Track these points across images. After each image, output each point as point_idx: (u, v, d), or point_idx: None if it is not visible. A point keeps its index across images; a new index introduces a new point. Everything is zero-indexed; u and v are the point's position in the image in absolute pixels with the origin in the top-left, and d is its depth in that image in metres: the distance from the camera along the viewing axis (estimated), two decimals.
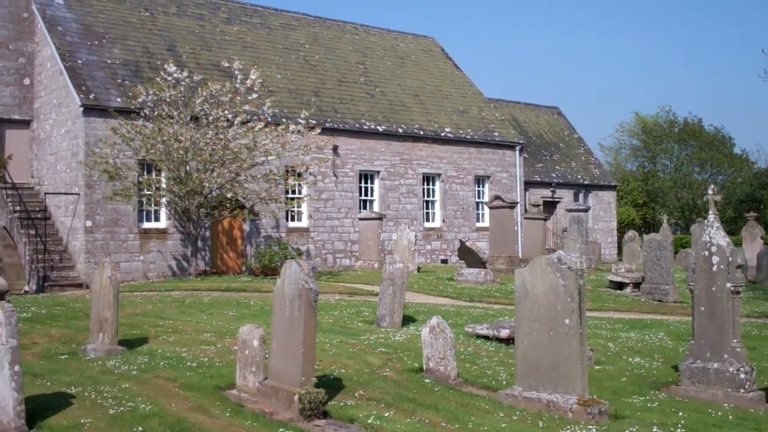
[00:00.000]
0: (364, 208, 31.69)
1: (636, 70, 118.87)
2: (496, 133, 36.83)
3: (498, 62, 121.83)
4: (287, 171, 27.91)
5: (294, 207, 29.59)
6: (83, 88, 25.60)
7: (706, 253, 10.99)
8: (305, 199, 29.25)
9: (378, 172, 32.28)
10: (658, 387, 11.26)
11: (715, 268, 10.89)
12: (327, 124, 29.91)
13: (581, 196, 45.30)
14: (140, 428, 8.65)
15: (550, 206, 42.93)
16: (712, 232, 11.01)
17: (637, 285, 23.32)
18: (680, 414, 9.59)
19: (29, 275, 24.95)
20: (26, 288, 24.60)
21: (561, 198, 43.91)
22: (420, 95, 36.32)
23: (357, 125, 31.70)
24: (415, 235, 28.24)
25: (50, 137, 27.37)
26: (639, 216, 54.89)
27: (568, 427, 8.78)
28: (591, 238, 38.54)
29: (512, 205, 28.48)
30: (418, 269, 27.40)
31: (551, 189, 43.54)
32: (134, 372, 11.16)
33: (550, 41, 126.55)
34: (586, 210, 33.18)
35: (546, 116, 50.68)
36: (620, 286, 23.75)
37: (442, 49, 41.96)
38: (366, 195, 32.14)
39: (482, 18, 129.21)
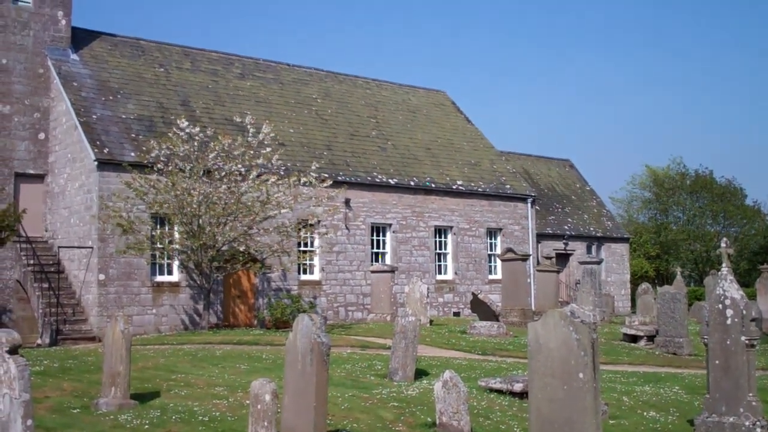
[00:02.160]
0: (376, 260, 31.70)
1: (646, 123, 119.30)
2: (508, 186, 36.94)
3: (509, 116, 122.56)
4: (299, 223, 28.01)
5: (306, 260, 29.61)
6: (98, 142, 25.86)
7: (720, 306, 10.95)
8: (317, 251, 29.29)
9: (390, 225, 32.35)
10: None
11: (729, 322, 10.83)
12: (339, 177, 30.06)
13: (594, 248, 45.21)
14: None
15: (562, 259, 42.85)
16: (726, 285, 10.97)
17: (651, 338, 23.16)
18: None
19: (42, 328, 24.98)
20: (39, 341, 24.61)
21: (573, 250, 43.81)
22: (432, 148, 36.52)
23: (369, 178, 31.85)
24: (428, 288, 28.17)
25: (64, 191, 27.59)
26: (652, 268, 54.67)
27: None
28: (604, 290, 38.36)
29: (525, 258, 28.45)
30: (431, 322, 27.29)
31: (564, 241, 43.47)
32: (146, 426, 11.12)
33: (562, 95, 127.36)
34: (599, 262, 33.11)
35: (558, 169, 50.81)
36: (634, 339, 23.60)
37: (453, 102, 42.28)
38: (378, 247, 32.16)
39: (494, 72, 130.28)
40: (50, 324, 24.44)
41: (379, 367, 16.71)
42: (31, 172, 28.45)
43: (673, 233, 59.71)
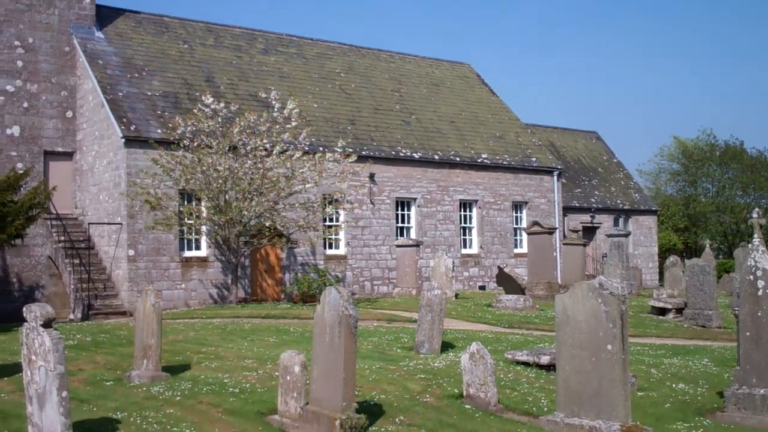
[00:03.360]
0: (401, 235, 31.77)
1: (675, 94, 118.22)
2: (534, 159, 36.81)
3: (535, 87, 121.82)
4: (324, 199, 28.09)
5: (331, 235, 29.74)
6: (124, 120, 26.04)
7: (751, 277, 10.91)
8: (342, 226, 29.41)
9: (414, 199, 32.37)
10: (703, 413, 11.13)
11: (760, 293, 10.80)
12: (363, 152, 30.08)
13: (621, 221, 45.02)
14: None
15: (589, 232, 42.71)
16: (757, 256, 10.92)
17: (679, 310, 23.11)
18: None
19: (74, 304, 25.31)
20: (71, 316, 24.94)
21: (600, 223, 43.65)
22: (456, 121, 36.43)
23: (393, 153, 31.85)
24: (453, 262, 28.22)
25: (93, 168, 27.83)
26: (680, 241, 54.34)
27: None
28: (632, 263, 38.24)
29: (551, 231, 28.40)
30: (456, 296, 27.37)
31: (590, 214, 43.31)
32: (178, 398, 11.28)
33: (588, 66, 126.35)
34: (626, 235, 32.98)
35: (584, 141, 50.53)
36: (662, 311, 23.55)
37: (478, 75, 42.10)
38: (403, 222, 32.22)
39: (519, 43, 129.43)
40: (82, 299, 24.76)
41: (406, 340, 16.81)
42: (60, 150, 28.69)
43: (702, 205, 59.22)
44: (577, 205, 43.07)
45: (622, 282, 9.93)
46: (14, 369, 13.43)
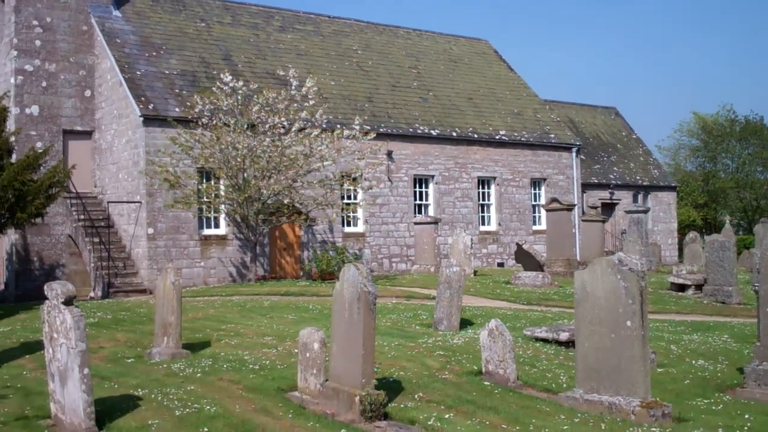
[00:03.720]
0: (419, 212, 31.75)
1: (694, 69, 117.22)
2: (552, 135, 36.63)
3: (553, 64, 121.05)
4: (342, 176, 28.10)
5: (350, 212, 29.75)
6: (142, 98, 26.08)
7: None
8: (360, 204, 29.42)
9: (432, 177, 32.31)
10: (723, 389, 11.10)
11: None
12: (381, 129, 30.00)
13: (640, 197, 44.81)
14: (206, 429, 8.82)
15: (608, 208, 42.55)
16: None
17: (699, 287, 23.03)
18: (746, 417, 9.45)
19: (94, 282, 25.48)
20: (92, 294, 25.12)
21: (619, 200, 43.47)
22: (474, 98, 36.28)
23: (411, 130, 31.77)
24: (471, 239, 28.19)
25: (111, 147, 27.93)
26: (700, 217, 54.04)
27: (631, 429, 8.74)
28: (651, 239, 38.08)
29: (569, 208, 28.30)
30: (475, 273, 27.37)
31: (609, 191, 43.12)
32: (198, 374, 11.37)
33: (607, 41, 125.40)
34: (645, 211, 32.84)
35: (603, 117, 50.23)
36: (682, 288, 23.48)
37: (496, 51, 41.87)
38: (421, 199, 32.18)
39: (536, 19, 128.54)
40: (102, 277, 24.92)
41: (425, 317, 16.85)
42: (79, 128, 28.80)
43: (722, 181, 58.84)
44: (595, 181, 42.89)
45: (641, 258, 9.90)
46: (36, 347, 13.57)
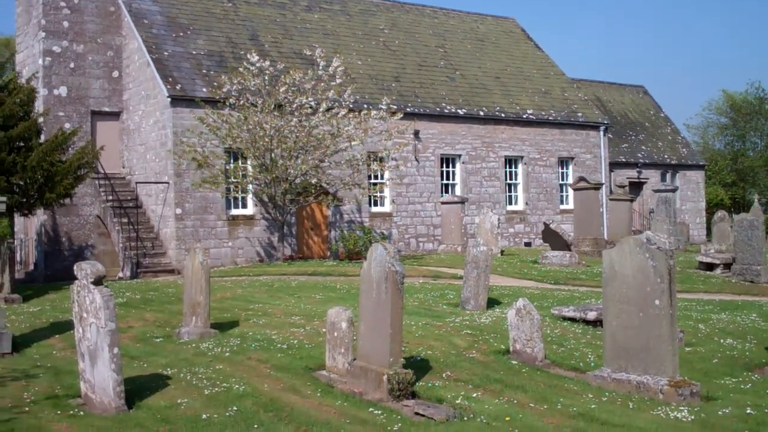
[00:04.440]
0: (446, 192, 31.69)
1: (723, 47, 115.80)
2: (580, 114, 36.38)
3: (581, 42, 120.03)
4: (369, 156, 28.07)
5: (377, 192, 29.76)
6: (170, 79, 26.16)
7: None
8: (387, 183, 29.40)
9: (459, 156, 32.22)
10: (751, 368, 11.02)
11: None
12: (408, 109, 29.92)
13: (668, 176, 44.45)
14: (235, 408, 8.89)
15: (636, 187, 42.27)
16: None
17: (727, 266, 22.85)
18: None
19: (123, 262, 25.68)
20: (120, 274, 25.33)
21: (647, 179, 43.16)
22: (501, 77, 36.07)
23: (438, 109, 31.67)
24: (498, 219, 28.12)
25: (139, 128, 28.07)
26: (728, 196, 53.56)
27: (659, 408, 8.71)
28: (679, 218, 37.80)
29: (597, 187, 28.13)
30: (502, 252, 27.32)
31: (637, 170, 42.81)
32: (227, 354, 11.45)
33: (635, 19, 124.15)
34: (673, 190, 32.57)
35: (631, 95, 49.80)
36: (710, 267, 23.30)
37: (523, 29, 41.57)
38: (447, 179, 32.11)
39: None
40: (130, 258, 25.11)
41: (452, 297, 16.86)
42: (107, 109, 28.97)
43: (750, 160, 58.25)
44: (623, 160, 42.60)
45: (669, 237, 9.83)
46: (66, 326, 13.73)
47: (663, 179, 43.56)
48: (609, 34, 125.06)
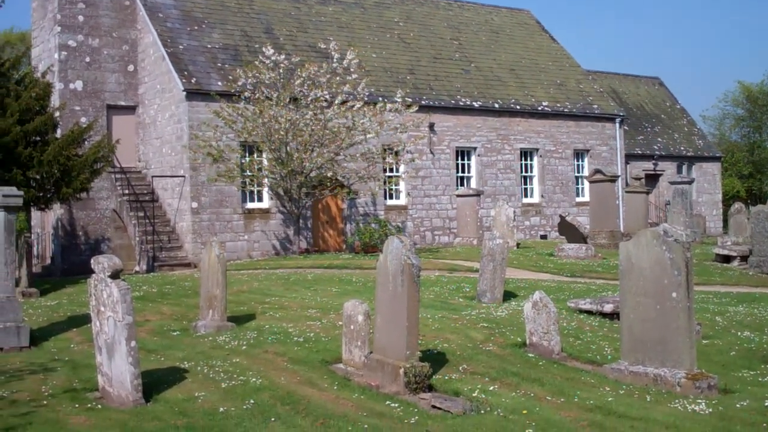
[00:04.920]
0: (461, 184, 31.64)
1: (739, 38, 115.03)
2: (595, 106, 36.24)
3: (596, 34, 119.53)
4: (384, 149, 28.07)
5: (392, 185, 29.76)
6: (185, 73, 26.21)
7: None
8: (403, 176, 29.38)
9: (474, 149, 32.16)
10: None
11: None
12: (423, 102, 29.88)
13: (684, 168, 44.24)
14: (252, 401, 8.91)
15: (652, 179, 42.09)
16: None
17: (744, 258, 22.73)
18: None
19: (139, 256, 25.78)
20: (137, 268, 25.44)
21: (663, 171, 42.97)
22: (516, 69, 35.96)
23: (453, 102, 31.62)
24: (514, 211, 28.07)
25: (155, 122, 28.15)
26: (744, 188, 53.26)
27: (677, 401, 8.68)
28: (695, 210, 37.63)
29: (613, 179, 28.02)
30: (518, 245, 27.26)
31: (653, 162, 42.63)
32: (244, 347, 11.48)
33: (649, 10, 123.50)
34: (690, 182, 32.41)
35: (646, 87, 49.56)
36: (727, 259, 23.20)
37: (538, 21, 41.41)
38: (463, 171, 32.06)
39: None
40: (147, 251, 25.21)
41: (468, 290, 16.84)
42: (122, 103, 29.06)
43: (767, 151, 57.89)
44: (639, 152, 42.43)
45: (686, 229, 9.78)
46: (83, 320, 13.81)
47: (679, 171, 43.36)
48: (624, 25, 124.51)
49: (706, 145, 47.34)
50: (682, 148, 44.88)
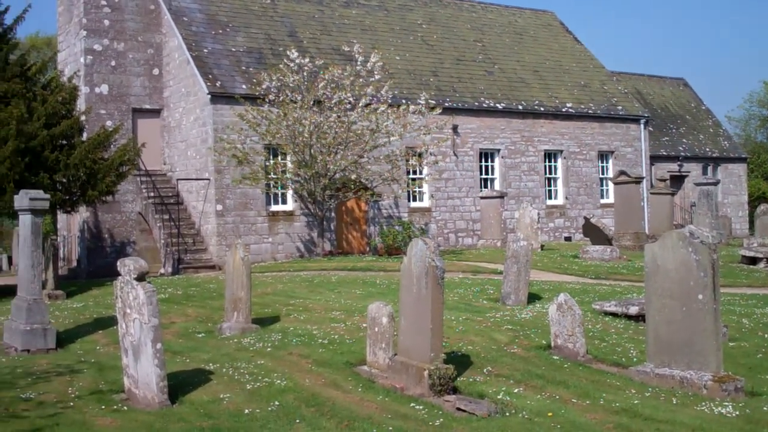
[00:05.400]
0: (485, 186, 31.58)
1: (765, 39, 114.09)
2: (620, 107, 36.06)
3: (620, 35, 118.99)
4: (408, 152, 28.06)
5: (416, 187, 29.77)
6: (210, 76, 26.34)
7: None
8: (426, 179, 29.38)
9: (498, 150, 32.09)
10: None
11: None
12: (446, 104, 29.86)
13: (710, 169, 43.92)
14: (276, 403, 8.94)
15: (677, 181, 41.81)
16: None
17: None
18: None
19: (164, 258, 25.93)
20: (162, 270, 25.57)
21: (688, 172, 42.67)
22: (539, 71, 35.86)
23: (476, 104, 31.57)
24: (538, 213, 27.96)
25: (180, 125, 28.30)
26: None
27: (703, 404, 8.63)
28: (721, 212, 37.35)
29: (638, 181, 27.87)
30: (542, 247, 27.15)
31: (678, 163, 42.34)
32: (268, 349, 11.52)
33: (675, 11, 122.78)
34: (715, 183, 32.17)
35: (671, 88, 49.26)
36: (753, 261, 22.98)
37: (562, 23, 41.27)
38: (486, 173, 32.00)
39: None
40: (172, 254, 25.35)
41: (491, 292, 16.80)
42: (148, 107, 29.25)
43: None
44: (664, 153, 42.17)
45: (712, 231, 9.72)
46: (109, 322, 13.89)
47: (704, 172, 43.05)
48: (649, 26, 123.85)
49: (732, 146, 46.98)
50: (707, 150, 44.57)
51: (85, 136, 23.16)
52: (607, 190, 34.82)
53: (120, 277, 9.52)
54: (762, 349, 11.63)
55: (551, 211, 33.42)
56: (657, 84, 48.69)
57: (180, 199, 27.71)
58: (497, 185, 31.78)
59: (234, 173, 25.55)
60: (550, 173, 33.85)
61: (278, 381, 9.79)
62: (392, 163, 26.40)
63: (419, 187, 30.00)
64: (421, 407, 8.74)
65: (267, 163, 26.12)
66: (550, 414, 8.39)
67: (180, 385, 9.64)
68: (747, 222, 44.41)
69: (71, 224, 29.31)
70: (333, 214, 27.60)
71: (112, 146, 22.64)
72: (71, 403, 9.19)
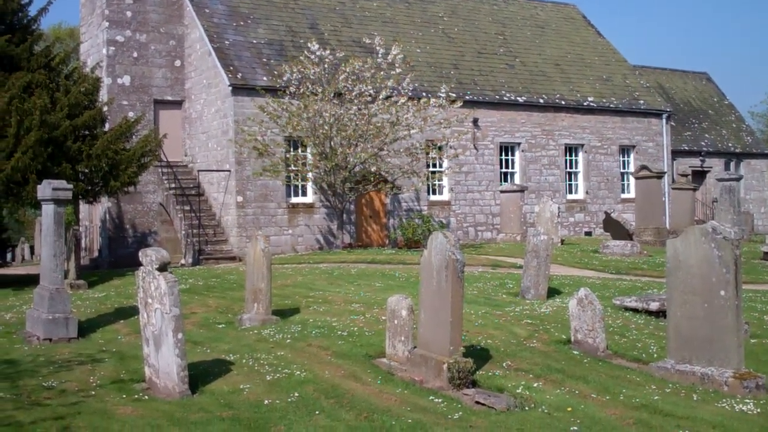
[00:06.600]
0: (505, 180, 31.50)
1: None
2: (642, 101, 35.86)
3: (643, 28, 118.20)
4: (428, 145, 28.03)
5: (435, 180, 29.73)
6: (231, 68, 26.40)
7: None
8: (446, 172, 29.33)
9: (519, 144, 31.99)
10: None
11: None
12: (467, 97, 29.78)
13: (732, 164, 43.58)
14: (296, 394, 8.98)
15: (699, 176, 41.56)
16: None
17: None
18: None
19: (185, 249, 26.04)
20: (183, 261, 25.68)
21: (711, 167, 42.38)
22: (561, 64, 35.69)
23: (497, 97, 31.47)
24: (558, 207, 27.87)
25: (201, 116, 28.39)
26: None
27: (724, 400, 8.59)
28: (743, 208, 37.08)
29: (659, 176, 27.71)
30: (562, 242, 27.09)
31: (700, 158, 42.07)
32: (288, 340, 11.56)
33: (698, 5, 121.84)
34: (738, 179, 31.95)
35: (694, 83, 48.91)
36: None
37: (584, 16, 41.04)
38: (507, 167, 31.92)
39: None
40: (193, 245, 25.45)
41: (511, 286, 16.78)
42: (169, 98, 29.36)
43: None
44: (686, 148, 41.89)
45: (734, 227, 9.66)
46: (130, 312, 13.99)
47: (727, 168, 42.72)
48: (672, 20, 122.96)
49: (755, 141, 46.61)
50: (729, 145, 44.25)
51: (107, 126, 23.26)
52: (628, 185, 34.65)
53: (142, 268, 9.58)
54: None
55: (571, 206, 33.30)
56: (679, 78, 48.35)
57: (201, 190, 27.82)
58: (517, 179, 31.69)
59: (254, 165, 25.62)
60: (571, 167, 33.73)
61: (298, 372, 9.83)
62: (412, 156, 26.38)
63: (439, 181, 29.96)
64: (439, 400, 8.75)
65: (287, 155, 26.16)
66: (569, 409, 8.38)
67: (200, 375, 9.69)
68: None
69: (93, 214, 29.47)
70: (353, 207, 27.62)
71: (133, 137, 22.73)
72: (92, 392, 9.27)
